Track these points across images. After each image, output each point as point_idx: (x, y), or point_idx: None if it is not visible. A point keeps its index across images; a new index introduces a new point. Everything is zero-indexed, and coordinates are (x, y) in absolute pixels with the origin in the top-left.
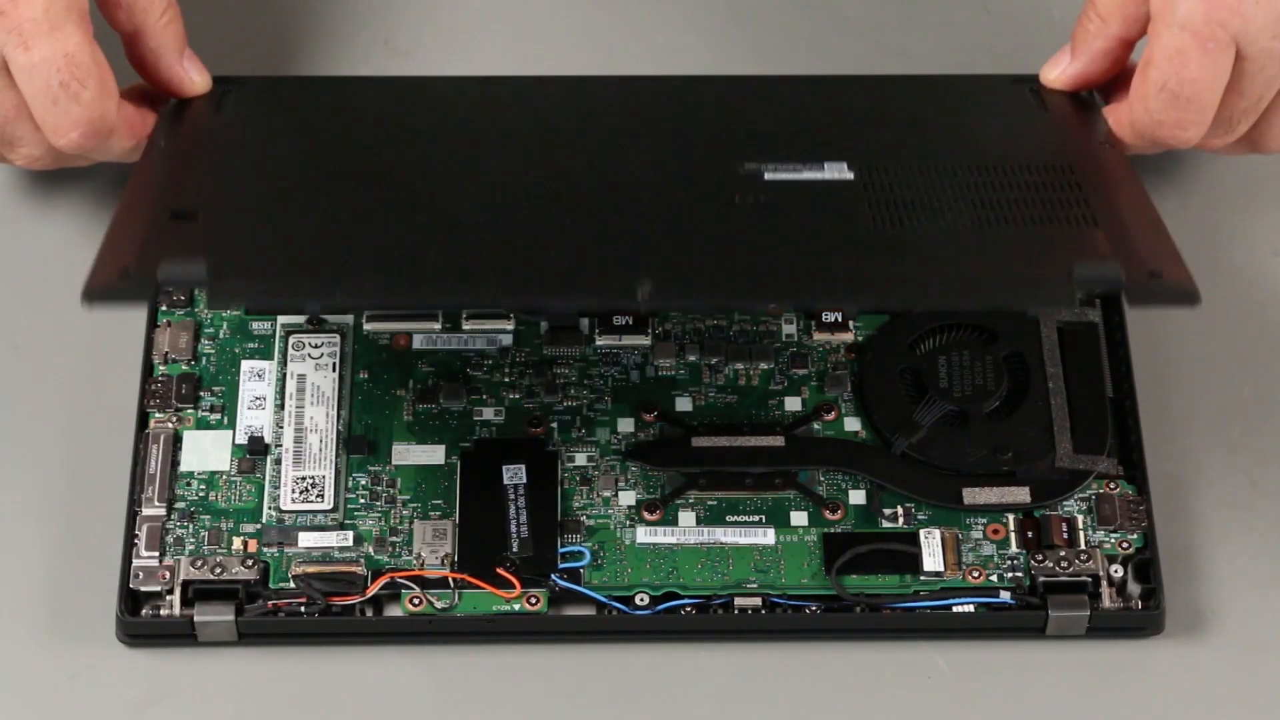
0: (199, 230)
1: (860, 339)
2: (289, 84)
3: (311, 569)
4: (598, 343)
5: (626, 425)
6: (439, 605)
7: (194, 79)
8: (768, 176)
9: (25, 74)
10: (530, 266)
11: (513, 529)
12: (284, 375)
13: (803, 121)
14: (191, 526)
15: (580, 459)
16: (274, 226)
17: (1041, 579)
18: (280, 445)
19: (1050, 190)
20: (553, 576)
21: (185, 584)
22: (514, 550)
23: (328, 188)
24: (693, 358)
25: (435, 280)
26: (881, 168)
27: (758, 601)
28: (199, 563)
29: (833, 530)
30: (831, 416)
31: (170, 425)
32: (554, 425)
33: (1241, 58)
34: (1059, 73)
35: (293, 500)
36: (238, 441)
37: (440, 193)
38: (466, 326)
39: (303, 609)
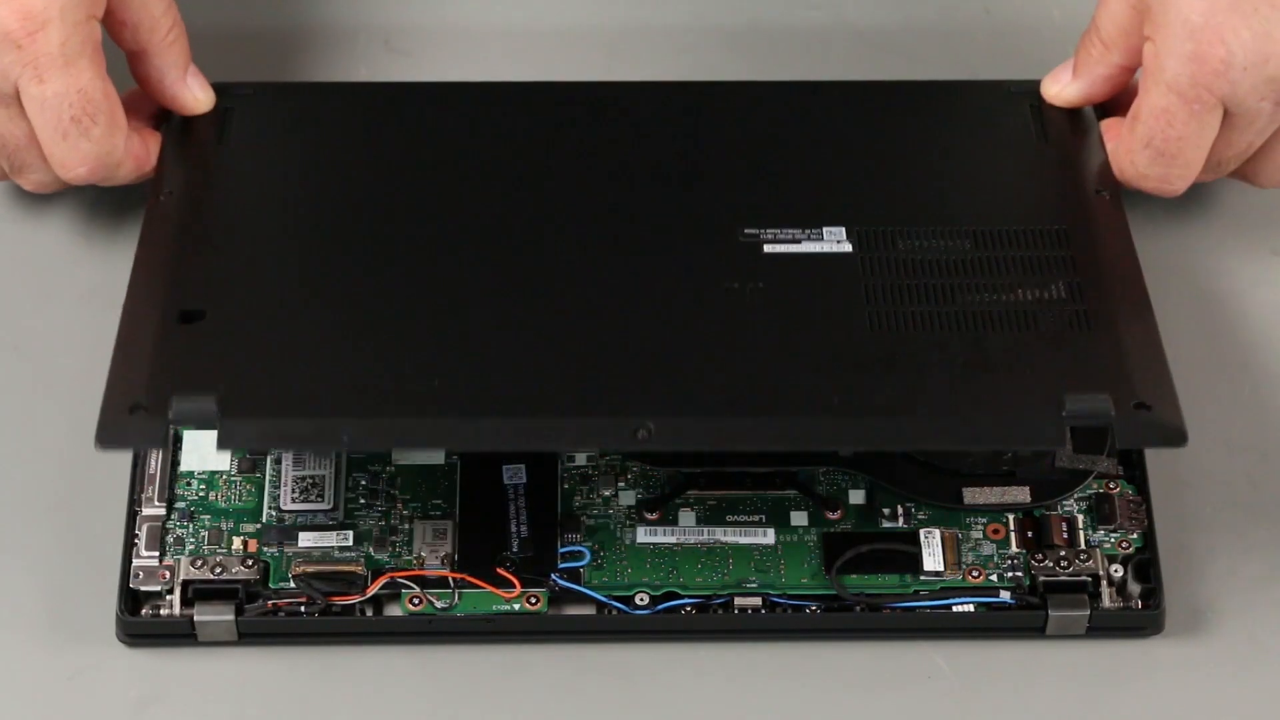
0: (207, 339)
1: None
2: (290, 95)
3: (311, 569)
4: None
5: None
6: (439, 605)
7: (198, 96)
8: (766, 249)
9: (37, 106)
10: (530, 401)
11: (513, 529)
12: None
13: (801, 156)
14: (191, 526)
15: (580, 459)
16: (281, 327)
17: (1041, 579)
18: None
19: (1045, 268)
20: (553, 576)
21: (185, 584)
22: (514, 550)
23: (330, 259)
24: None
25: (435, 425)
26: (878, 237)
27: (758, 601)
28: (199, 563)
29: (833, 530)
30: None
31: None
32: None
33: (1229, 114)
34: (1059, 89)
35: (293, 500)
36: None
37: (440, 279)
38: None
39: (303, 609)
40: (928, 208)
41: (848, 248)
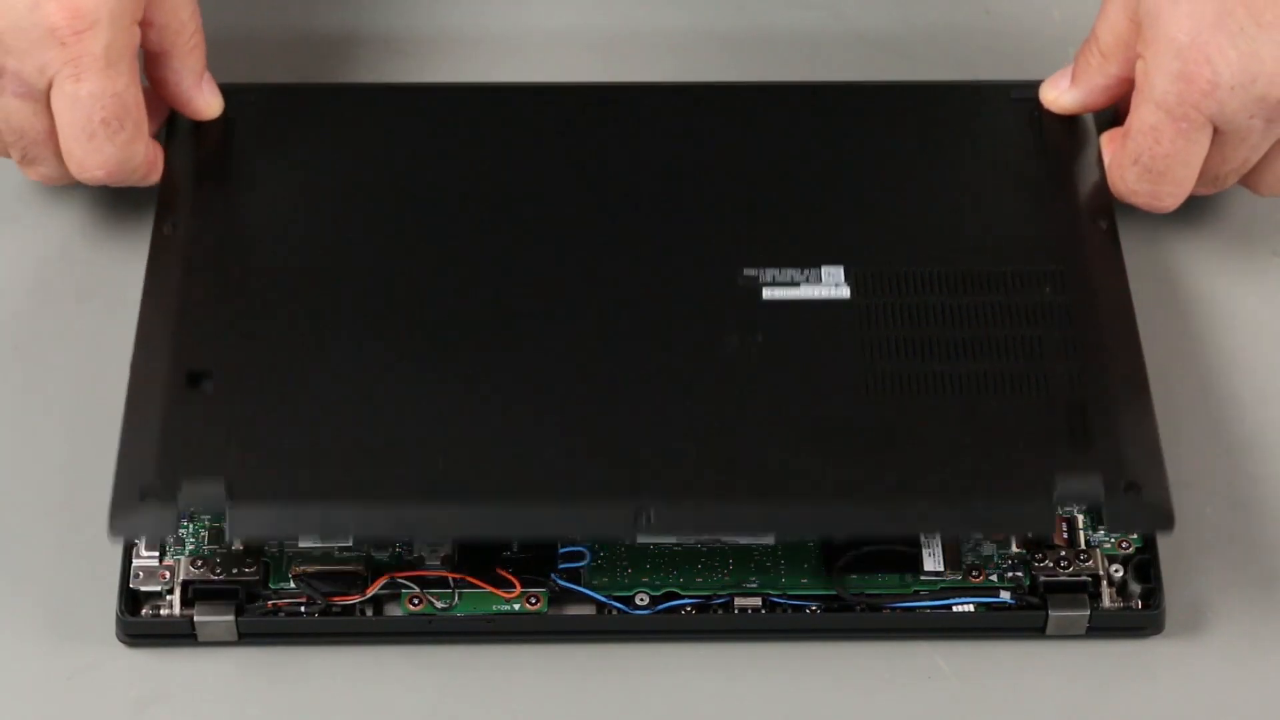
0: (215, 406)
1: None
2: (292, 97)
3: (311, 569)
4: None
5: None
6: (439, 605)
7: (209, 102)
8: (765, 295)
9: (68, 104)
10: (535, 483)
11: None
12: None
13: (799, 170)
14: (191, 526)
15: None
16: (285, 392)
17: (1042, 579)
18: None
19: (1039, 321)
20: (553, 576)
21: (185, 584)
22: (514, 550)
23: (332, 316)
24: None
25: (439, 515)
26: (875, 282)
27: (758, 601)
28: (199, 563)
29: None
30: None
31: None
32: None
33: (1220, 132)
34: (1057, 95)
35: None
36: None
37: (433, 341)
38: None
39: (303, 609)
40: (924, 240)
41: (845, 292)
